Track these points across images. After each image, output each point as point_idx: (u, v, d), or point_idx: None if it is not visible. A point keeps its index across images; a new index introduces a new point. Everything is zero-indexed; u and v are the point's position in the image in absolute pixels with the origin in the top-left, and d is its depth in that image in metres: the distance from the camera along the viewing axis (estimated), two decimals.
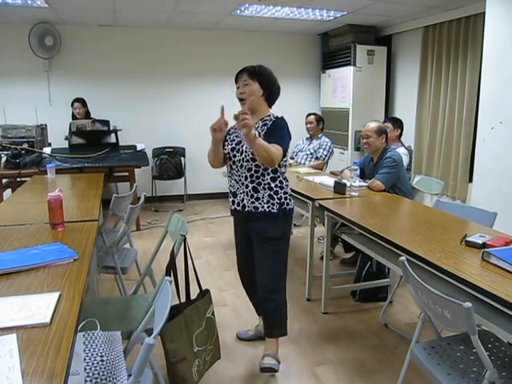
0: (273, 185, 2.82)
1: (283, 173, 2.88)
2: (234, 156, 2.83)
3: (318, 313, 3.75)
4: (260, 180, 2.80)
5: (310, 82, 7.82)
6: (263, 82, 2.81)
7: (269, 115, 2.84)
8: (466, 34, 5.42)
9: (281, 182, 2.85)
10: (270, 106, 2.92)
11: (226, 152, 2.88)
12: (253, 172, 2.79)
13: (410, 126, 6.14)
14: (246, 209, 2.84)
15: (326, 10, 5.92)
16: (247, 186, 2.83)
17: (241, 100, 2.82)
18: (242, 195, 2.85)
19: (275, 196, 2.81)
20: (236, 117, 2.50)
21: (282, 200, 2.84)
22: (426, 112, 6.20)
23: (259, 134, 2.72)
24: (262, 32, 7.47)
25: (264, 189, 2.81)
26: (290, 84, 7.45)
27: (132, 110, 7.23)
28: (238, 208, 2.87)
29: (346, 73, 6.94)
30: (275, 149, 2.63)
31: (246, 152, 2.77)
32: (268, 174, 2.80)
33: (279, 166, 2.80)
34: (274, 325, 3.02)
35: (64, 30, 6.68)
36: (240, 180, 2.84)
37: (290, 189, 2.97)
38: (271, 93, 2.86)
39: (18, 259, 2.06)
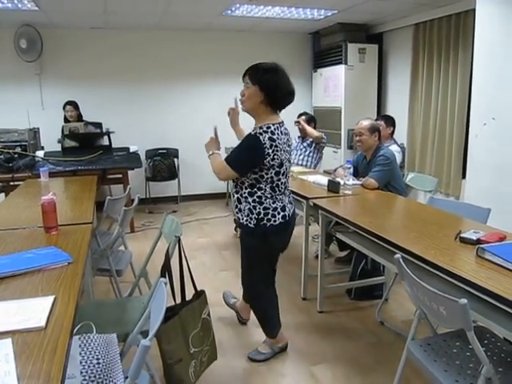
0: (250, 199, 2.79)
1: (263, 189, 2.77)
2: None
3: (313, 312, 3.75)
4: (241, 192, 2.84)
5: (302, 82, 7.80)
6: (264, 86, 2.69)
7: (261, 126, 2.72)
8: (457, 30, 5.44)
9: (259, 197, 2.77)
10: (279, 110, 2.82)
11: None
12: (234, 184, 2.87)
13: (402, 124, 6.15)
14: (236, 215, 2.94)
15: (317, 9, 5.92)
16: (234, 196, 2.92)
17: (241, 101, 2.83)
18: (234, 202, 2.94)
19: (254, 211, 2.79)
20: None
21: (262, 216, 2.78)
22: (418, 109, 6.21)
23: None
24: (254, 32, 7.47)
25: (245, 201, 2.82)
26: None
27: (124, 112, 7.20)
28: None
29: (338, 71, 6.94)
30: (220, 165, 2.77)
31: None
32: (246, 188, 2.81)
33: (257, 181, 2.75)
34: (261, 326, 3.17)
35: (55, 32, 6.65)
36: (232, 189, 2.94)
37: None
38: (274, 98, 2.73)
39: (12, 263, 2.05)
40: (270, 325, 3.13)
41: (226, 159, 2.76)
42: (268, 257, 2.96)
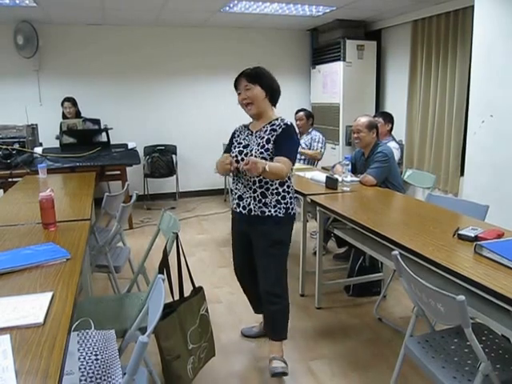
0: (281, 190, 2.79)
1: (290, 177, 2.88)
2: (243, 160, 2.69)
3: (311, 308, 3.75)
4: (268, 185, 2.77)
5: (300, 78, 7.81)
6: (264, 84, 2.80)
7: (277, 119, 2.82)
8: (455, 27, 5.44)
9: (288, 186, 2.83)
10: (275, 106, 2.92)
11: (234, 155, 2.82)
12: (261, 177, 2.74)
13: (400, 121, 6.14)
14: (253, 213, 2.80)
15: (315, 6, 5.92)
16: (255, 191, 2.78)
17: (246, 105, 2.79)
18: (248, 199, 2.81)
19: (282, 201, 2.79)
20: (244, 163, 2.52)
21: (289, 205, 2.82)
22: (417, 106, 6.21)
23: (268, 139, 2.74)
24: (252, 29, 7.46)
25: (272, 194, 2.78)
26: (280, 80, 7.32)
27: (123, 108, 7.20)
28: (244, 212, 2.82)
29: (336, 68, 6.94)
30: (283, 164, 2.64)
31: (254, 157, 2.71)
32: (277, 180, 2.78)
33: None
34: (277, 328, 2.95)
35: (54, 29, 6.65)
36: (248, 184, 2.80)
37: None
38: (273, 93, 2.86)
39: (11, 260, 2.05)
40: (288, 323, 2.99)
41: (286, 155, 2.69)
42: (290, 244, 2.97)
